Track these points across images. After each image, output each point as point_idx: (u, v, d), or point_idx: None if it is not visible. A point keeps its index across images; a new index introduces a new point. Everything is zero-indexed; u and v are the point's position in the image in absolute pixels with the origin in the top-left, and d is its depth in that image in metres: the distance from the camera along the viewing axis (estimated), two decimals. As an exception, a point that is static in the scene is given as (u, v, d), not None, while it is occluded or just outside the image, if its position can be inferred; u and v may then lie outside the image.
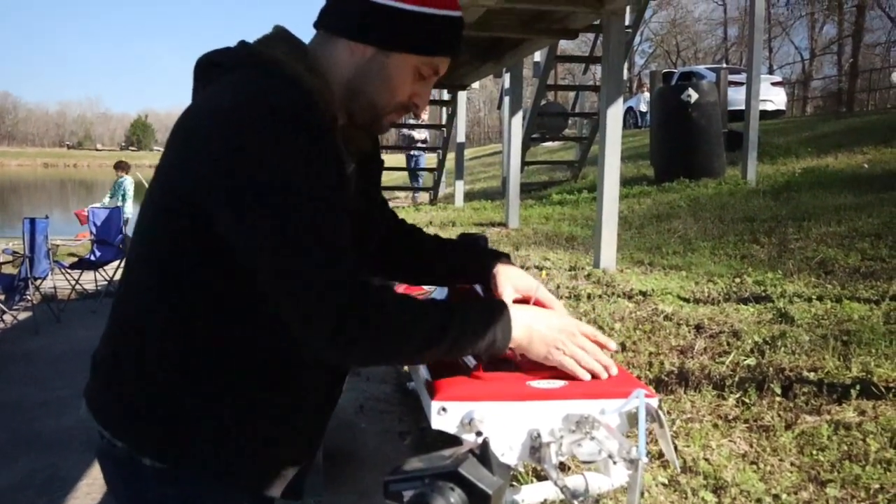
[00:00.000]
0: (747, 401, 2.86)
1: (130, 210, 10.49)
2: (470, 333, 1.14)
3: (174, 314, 1.10)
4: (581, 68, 15.51)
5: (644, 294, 4.71)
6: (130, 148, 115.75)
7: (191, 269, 1.09)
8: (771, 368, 3.15)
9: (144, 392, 1.14)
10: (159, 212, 1.11)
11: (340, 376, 1.31)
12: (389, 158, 12.67)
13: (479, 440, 1.13)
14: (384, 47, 1.13)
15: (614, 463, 1.19)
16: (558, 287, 5.05)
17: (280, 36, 1.17)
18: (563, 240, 7.37)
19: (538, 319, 1.22)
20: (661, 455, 2.42)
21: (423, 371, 1.35)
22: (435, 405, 1.19)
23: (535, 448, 1.19)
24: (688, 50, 44.08)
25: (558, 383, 1.25)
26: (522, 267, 5.88)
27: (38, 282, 8.21)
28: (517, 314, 1.19)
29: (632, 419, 1.21)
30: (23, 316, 8.11)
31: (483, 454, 1.13)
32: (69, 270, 8.93)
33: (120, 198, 11.11)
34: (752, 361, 3.27)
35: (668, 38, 43.38)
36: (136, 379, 1.15)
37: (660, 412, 1.21)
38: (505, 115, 10.31)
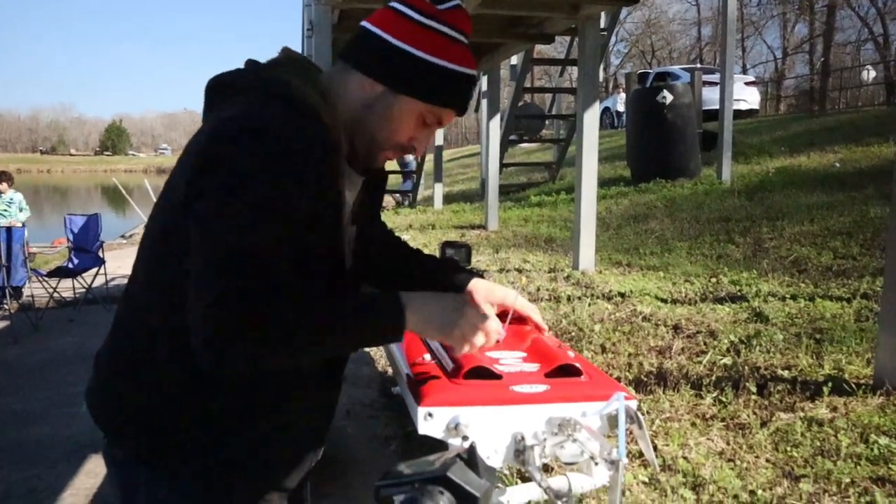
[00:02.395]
0: (724, 400, 2.93)
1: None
2: (352, 329, 1.12)
3: (178, 320, 1.08)
4: (558, 70, 15.62)
5: (623, 295, 4.78)
6: (105, 153, 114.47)
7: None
8: (746, 367, 3.23)
9: (145, 393, 1.15)
10: (161, 221, 1.14)
11: (336, 386, 1.33)
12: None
13: (466, 445, 1.18)
14: (393, 88, 1.16)
15: (596, 464, 1.25)
16: (538, 289, 5.11)
17: (292, 60, 1.21)
18: (543, 241, 7.44)
19: (430, 303, 1.19)
20: (641, 455, 2.48)
21: (407, 376, 1.39)
22: (421, 411, 1.23)
23: (520, 451, 1.24)
24: (662, 50, 44.41)
25: (541, 387, 1.30)
26: (502, 270, 5.93)
27: (16, 290, 8.14)
28: (410, 302, 1.15)
29: (612, 421, 1.27)
30: (0, 325, 8.04)
31: (470, 458, 1.17)
32: (47, 278, 8.85)
33: (14, 214, 9.52)
34: (728, 361, 3.35)
35: (642, 39, 43.68)
36: (136, 380, 1.16)
37: (638, 414, 1.26)
38: (483, 117, 10.36)
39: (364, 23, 1.20)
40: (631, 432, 1.29)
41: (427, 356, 1.44)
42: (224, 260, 1.00)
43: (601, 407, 1.27)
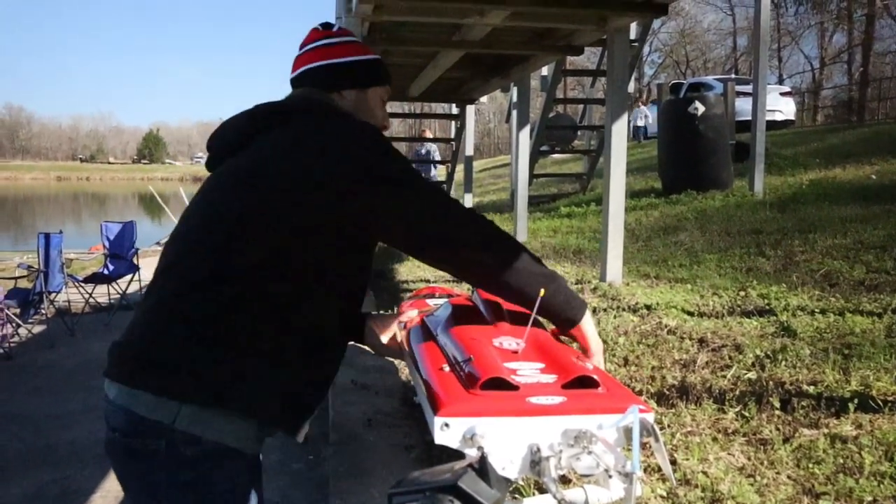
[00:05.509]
0: (747, 414, 2.91)
1: None
2: (564, 290, 1.47)
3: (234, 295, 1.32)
4: (590, 80, 15.57)
5: (649, 307, 4.76)
6: (142, 161, 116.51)
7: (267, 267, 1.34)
8: (771, 382, 3.20)
9: (201, 347, 1.31)
10: (252, 204, 1.35)
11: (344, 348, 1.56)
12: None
13: (478, 454, 1.19)
14: (361, 87, 1.59)
15: (610, 476, 1.25)
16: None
17: (313, 94, 1.56)
18: (571, 253, 7.43)
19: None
20: (659, 469, 2.48)
21: (426, 384, 1.41)
22: (438, 421, 1.24)
23: (535, 462, 1.25)
24: (697, 60, 44.04)
25: (557, 399, 1.30)
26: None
27: (53, 296, 8.32)
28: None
29: (628, 434, 1.27)
30: (38, 329, 8.23)
31: (482, 468, 1.19)
32: (83, 284, 9.04)
33: None
34: (752, 375, 3.32)
35: (677, 49, 43.38)
36: (190, 336, 1.31)
37: (655, 427, 1.26)
38: (513, 128, 10.39)
39: (306, 66, 1.58)
40: (648, 445, 1.30)
41: (446, 366, 1.46)
42: (461, 216, 1.41)
43: (617, 419, 1.27)
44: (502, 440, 1.25)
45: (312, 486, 3.94)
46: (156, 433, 1.26)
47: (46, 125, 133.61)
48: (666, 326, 4.22)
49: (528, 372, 1.42)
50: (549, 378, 1.39)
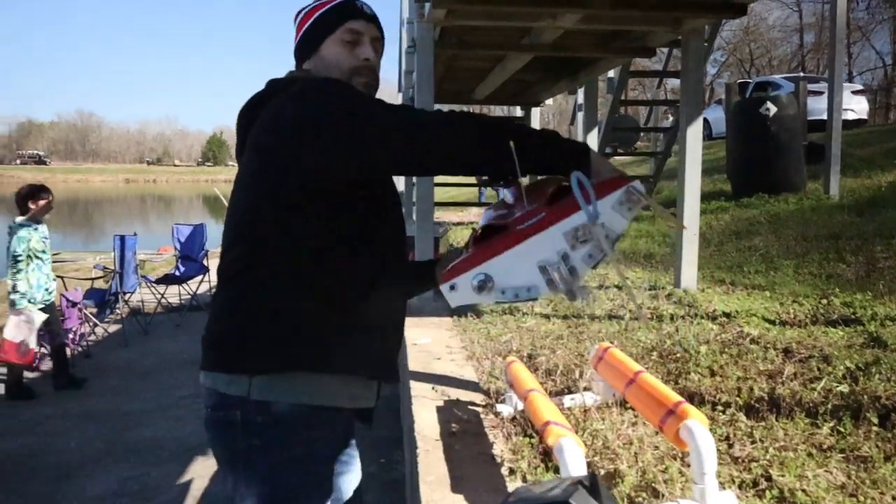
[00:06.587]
0: (842, 430, 2.81)
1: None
2: (538, 134, 1.42)
3: (291, 263, 1.44)
4: (652, 80, 15.33)
5: (728, 315, 4.65)
6: (206, 163, 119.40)
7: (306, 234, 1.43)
8: (866, 396, 3.08)
9: (281, 318, 1.43)
10: (291, 196, 1.43)
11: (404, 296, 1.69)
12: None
13: (589, 472, 1.18)
14: (315, 48, 1.61)
15: (607, 237, 1.27)
16: (640, 307, 5.03)
17: (292, 74, 1.64)
18: (641, 257, 7.31)
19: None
20: (754, 483, 2.41)
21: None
22: (444, 288, 1.28)
23: (551, 280, 1.24)
24: (762, 58, 42.86)
25: (541, 215, 1.30)
26: (601, 287, 5.86)
27: (127, 296, 8.58)
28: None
29: (622, 209, 1.27)
30: (113, 328, 8.50)
31: (592, 486, 1.17)
32: (155, 285, 9.30)
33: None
34: (845, 388, 3.20)
35: (740, 47, 42.30)
36: (272, 313, 1.44)
37: (646, 193, 1.27)
38: (579, 131, 10.28)
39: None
40: (647, 206, 1.28)
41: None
42: (417, 119, 1.39)
43: (613, 198, 1.27)
44: (511, 273, 1.24)
45: (387, 490, 3.97)
46: (233, 405, 1.43)
47: (115, 129, 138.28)
48: (748, 335, 4.11)
49: (518, 213, 1.41)
50: (533, 206, 1.38)
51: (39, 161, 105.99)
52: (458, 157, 1.37)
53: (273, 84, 1.57)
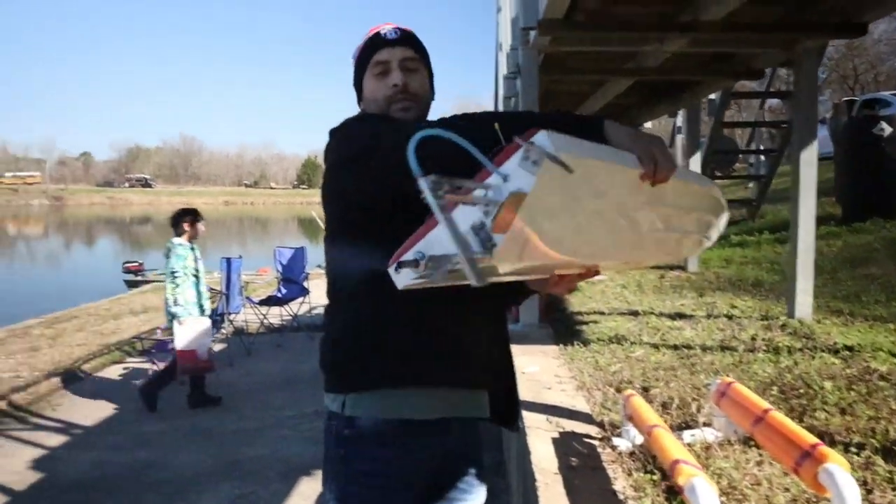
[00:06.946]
0: None
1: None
2: (528, 114, 1.50)
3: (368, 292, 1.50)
4: (751, 101, 14.88)
5: (850, 349, 4.43)
6: (301, 186, 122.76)
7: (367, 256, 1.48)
8: None
9: (363, 342, 1.54)
10: (341, 226, 1.58)
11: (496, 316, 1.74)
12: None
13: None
14: (358, 86, 1.72)
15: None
16: (753, 338, 4.85)
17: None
18: (749, 285, 7.06)
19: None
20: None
21: None
22: (390, 272, 1.25)
23: (478, 228, 1.16)
24: (866, 74, 40.97)
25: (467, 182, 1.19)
26: (709, 316, 5.69)
27: (232, 316, 8.86)
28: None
29: (526, 165, 1.11)
30: (218, 348, 8.77)
31: None
32: (258, 306, 9.57)
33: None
34: None
35: (843, 63, 40.57)
36: (356, 337, 1.55)
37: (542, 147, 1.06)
38: (678, 153, 10.07)
39: None
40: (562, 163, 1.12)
41: None
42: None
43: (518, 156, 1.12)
44: (446, 239, 1.18)
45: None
46: (332, 418, 1.58)
47: (215, 153, 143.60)
48: (876, 371, 3.90)
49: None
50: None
51: (146, 184, 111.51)
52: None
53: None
